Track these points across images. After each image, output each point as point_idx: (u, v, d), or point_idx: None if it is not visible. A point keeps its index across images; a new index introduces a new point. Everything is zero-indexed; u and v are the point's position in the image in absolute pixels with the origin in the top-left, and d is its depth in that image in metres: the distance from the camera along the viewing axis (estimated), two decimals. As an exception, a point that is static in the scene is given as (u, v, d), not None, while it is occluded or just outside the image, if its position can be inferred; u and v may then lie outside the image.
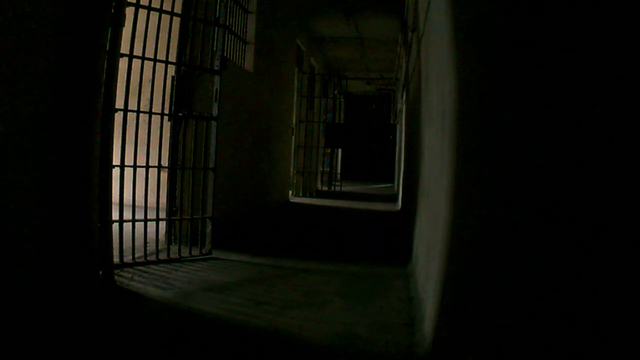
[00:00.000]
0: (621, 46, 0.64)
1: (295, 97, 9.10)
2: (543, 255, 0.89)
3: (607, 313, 0.66)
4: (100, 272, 2.94)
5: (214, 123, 3.93)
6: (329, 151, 12.15)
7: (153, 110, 3.58)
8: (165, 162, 3.84)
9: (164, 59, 3.60)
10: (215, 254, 3.94)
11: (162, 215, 3.92)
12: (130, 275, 3.19)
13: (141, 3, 3.32)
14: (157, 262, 3.58)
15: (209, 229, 3.94)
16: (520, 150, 1.06)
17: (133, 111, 3.41)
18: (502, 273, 1.15)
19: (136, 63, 3.36)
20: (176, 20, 3.80)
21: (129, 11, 3.12)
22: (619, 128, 0.63)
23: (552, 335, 0.82)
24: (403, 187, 7.34)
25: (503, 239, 1.16)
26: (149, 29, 3.46)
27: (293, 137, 9.11)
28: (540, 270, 0.90)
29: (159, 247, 3.79)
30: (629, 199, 0.61)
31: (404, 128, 8.35)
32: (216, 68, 3.91)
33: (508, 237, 1.12)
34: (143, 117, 3.61)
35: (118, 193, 3.24)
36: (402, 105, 9.17)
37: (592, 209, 0.71)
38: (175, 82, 3.85)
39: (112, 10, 2.93)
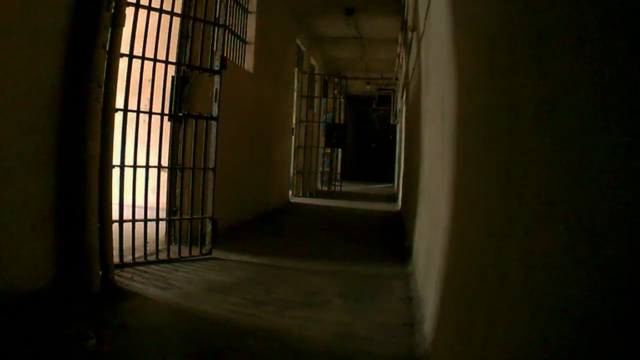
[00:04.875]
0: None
1: (295, 97, 9.09)
2: (542, 254, 0.89)
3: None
4: (100, 272, 2.94)
5: (214, 123, 3.92)
6: (329, 151, 12.14)
7: (153, 110, 3.58)
8: (165, 162, 3.84)
9: (164, 59, 3.60)
10: (215, 254, 3.94)
11: (162, 215, 3.92)
12: (130, 275, 3.18)
13: (141, 3, 3.32)
14: (157, 262, 3.57)
15: (208, 229, 3.94)
16: (520, 150, 1.06)
17: (133, 111, 3.41)
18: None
19: (136, 63, 3.36)
20: (176, 20, 3.79)
21: (129, 11, 3.11)
22: None
23: (552, 337, 0.82)
24: (403, 187, 7.34)
25: (503, 239, 1.16)
26: (149, 29, 3.46)
27: (293, 137, 9.11)
28: (540, 270, 0.90)
29: (159, 247, 3.79)
30: None
31: (404, 128, 8.35)
32: (216, 68, 3.90)
33: (508, 237, 1.12)
34: (143, 117, 3.61)
35: (118, 193, 3.24)
36: (402, 105, 9.17)
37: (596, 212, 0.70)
38: (175, 82, 3.85)
39: (112, 11, 2.92)
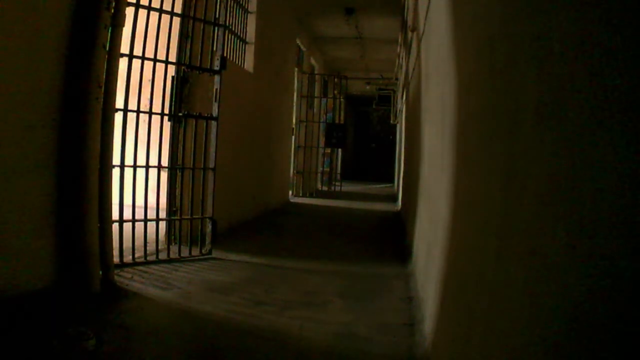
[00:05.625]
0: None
1: (295, 97, 9.09)
2: (542, 254, 0.89)
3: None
4: (100, 272, 2.94)
5: (214, 123, 3.92)
6: (329, 151, 12.14)
7: (153, 110, 3.58)
8: (165, 162, 3.84)
9: (164, 59, 3.60)
10: (215, 254, 3.94)
11: (162, 215, 3.92)
12: (130, 276, 3.18)
13: (141, 3, 3.32)
14: (157, 262, 3.57)
15: (208, 229, 3.94)
16: (520, 150, 1.06)
17: (133, 111, 3.41)
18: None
19: (136, 63, 3.36)
20: (176, 20, 3.79)
21: (129, 11, 3.11)
22: None
23: (552, 337, 0.82)
24: (403, 187, 7.34)
25: (503, 239, 1.16)
26: (149, 29, 3.46)
27: (293, 137, 9.10)
28: (540, 270, 0.90)
29: (159, 247, 3.79)
30: None
31: (404, 128, 8.34)
32: (216, 68, 3.90)
33: (508, 237, 1.12)
34: (143, 117, 3.61)
35: (118, 193, 3.24)
36: (402, 105, 9.17)
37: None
38: (175, 82, 3.85)
39: (112, 10, 2.92)
